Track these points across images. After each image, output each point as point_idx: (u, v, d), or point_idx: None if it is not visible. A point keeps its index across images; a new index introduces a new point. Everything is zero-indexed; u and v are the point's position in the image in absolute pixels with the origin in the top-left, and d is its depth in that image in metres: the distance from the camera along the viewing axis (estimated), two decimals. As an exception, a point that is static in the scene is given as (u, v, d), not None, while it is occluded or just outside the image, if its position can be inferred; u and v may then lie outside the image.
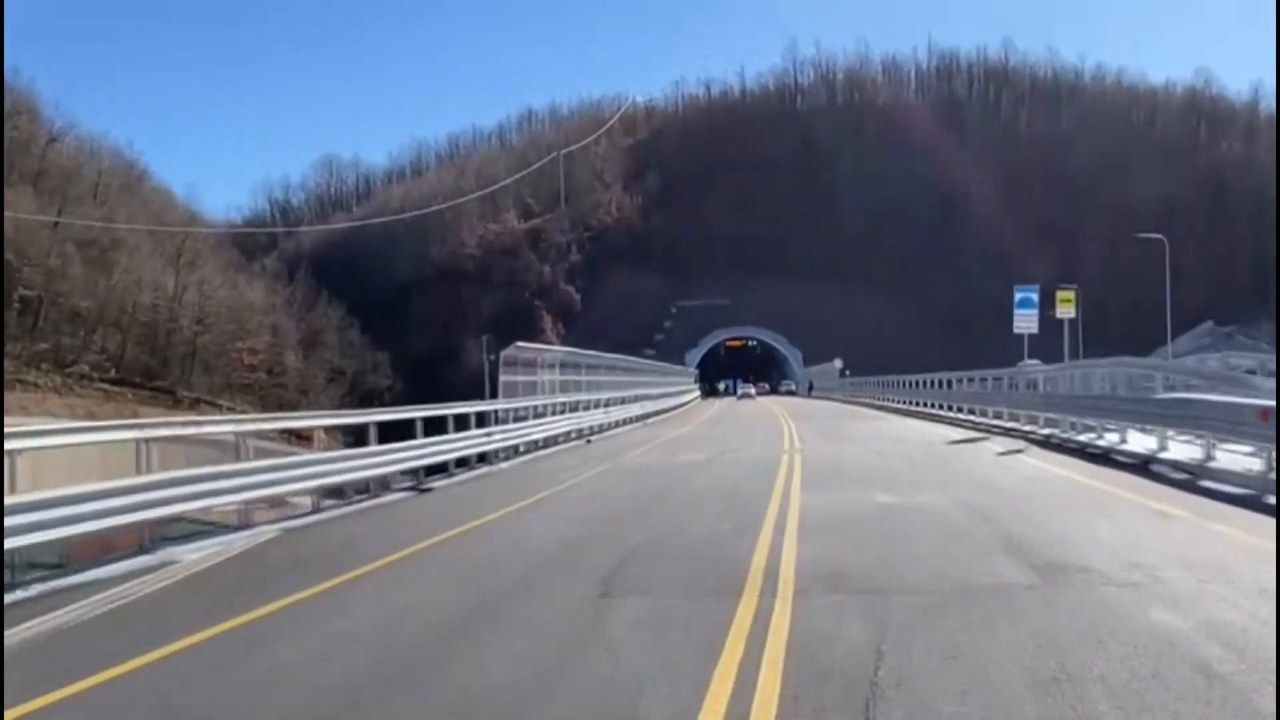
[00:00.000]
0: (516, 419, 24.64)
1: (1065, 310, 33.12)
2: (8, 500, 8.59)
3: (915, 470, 17.29)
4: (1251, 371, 26.06)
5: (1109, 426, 18.83)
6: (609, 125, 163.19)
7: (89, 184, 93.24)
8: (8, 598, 8.68)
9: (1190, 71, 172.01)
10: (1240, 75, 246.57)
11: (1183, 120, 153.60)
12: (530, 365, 27.36)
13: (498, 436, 21.82)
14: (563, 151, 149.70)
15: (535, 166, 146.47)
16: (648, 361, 58.54)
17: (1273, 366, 27.28)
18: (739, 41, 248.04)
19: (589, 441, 30.42)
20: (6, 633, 7.47)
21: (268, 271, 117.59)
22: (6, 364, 60.25)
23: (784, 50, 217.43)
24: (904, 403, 47.88)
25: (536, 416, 26.70)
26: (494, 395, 25.65)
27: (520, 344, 25.85)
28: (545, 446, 26.90)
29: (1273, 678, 5.23)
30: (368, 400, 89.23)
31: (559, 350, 30.61)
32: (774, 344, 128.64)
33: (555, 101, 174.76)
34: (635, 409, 43.78)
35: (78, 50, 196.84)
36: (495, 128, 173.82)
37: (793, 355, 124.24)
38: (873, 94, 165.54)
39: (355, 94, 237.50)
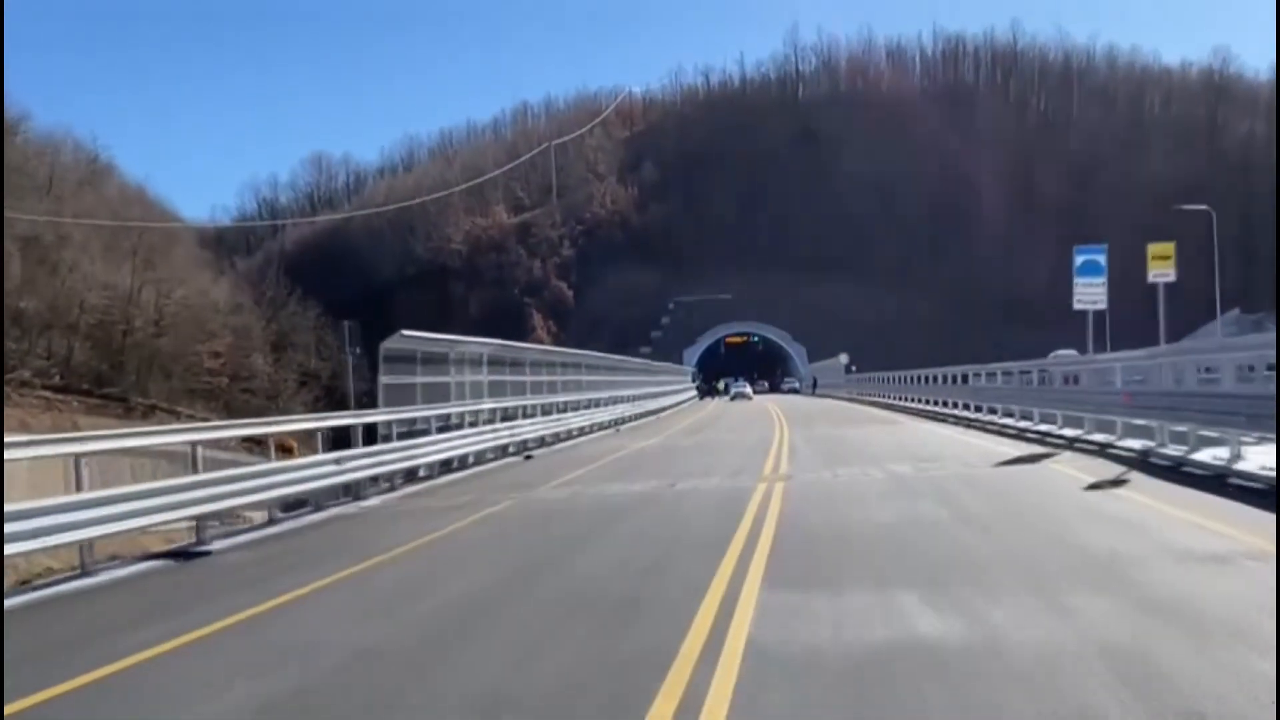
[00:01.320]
0: (413, 434, 18.39)
1: (1161, 271, 24.39)
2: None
3: (969, 528, 10.27)
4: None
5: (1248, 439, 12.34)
6: (604, 116, 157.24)
7: (43, 178, 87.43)
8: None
9: (1207, 51, 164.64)
10: (1260, 54, 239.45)
11: (1200, 100, 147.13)
12: (437, 362, 21.02)
13: (360, 463, 15.55)
14: (554, 142, 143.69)
15: (525, 158, 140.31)
16: (633, 360, 52.33)
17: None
18: (739, 29, 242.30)
19: (529, 457, 24.28)
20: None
21: (238, 271, 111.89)
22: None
23: (785, 37, 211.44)
24: (919, 401, 41.53)
25: (446, 429, 20.42)
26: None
27: (408, 333, 19.21)
28: (463, 467, 20.74)
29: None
30: (342, 404, 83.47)
31: (481, 343, 24.22)
32: (776, 340, 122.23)
33: (551, 95, 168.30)
34: (605, 414, 37.51)
35: (60, 50, 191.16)
36: (490, 123, 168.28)
37: (796, 351, 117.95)
38: (877, 80, 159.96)
39: (348, 92, 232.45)
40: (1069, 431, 19.97)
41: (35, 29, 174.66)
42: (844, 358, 76.03)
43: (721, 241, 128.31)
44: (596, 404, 38.05)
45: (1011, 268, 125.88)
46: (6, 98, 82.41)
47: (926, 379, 41.94)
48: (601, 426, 37.24)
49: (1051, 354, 44.08)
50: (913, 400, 43.40)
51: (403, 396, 18.30)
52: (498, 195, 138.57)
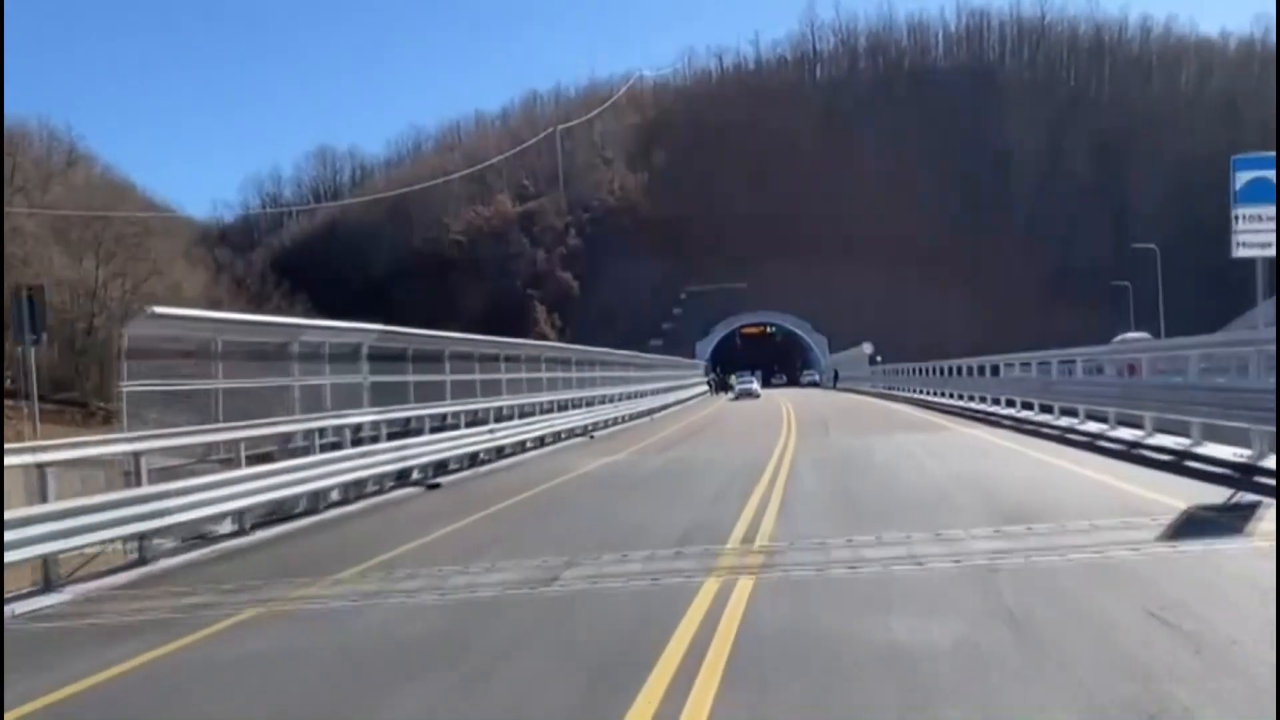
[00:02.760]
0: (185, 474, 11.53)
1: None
2: None
3: None
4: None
5: None
6: (613, 100, 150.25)
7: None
8: None
9: (1248, 20, 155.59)
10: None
11: (1241, 71, 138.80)
12: (264, 357, 14.20)
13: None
14: (560, 127, 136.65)
15: (529, 143, 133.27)
16: (617, 352, 45.27)
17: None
18: (754, 8, 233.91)
19: (434, 486, 17.59)
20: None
21: (236, 268, 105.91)
22: None
23: (802, 15, 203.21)
24: (959, 397, 34.45)
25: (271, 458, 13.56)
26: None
27: (160, 310, 11.76)
28: (285, 519, 13.89)
29: None
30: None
31: (354, 330, 17.23)
32: (796, 330, 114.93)
33: (561, 85, 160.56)
34: (579, 418, 30.66)
35: (60, 44, 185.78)
36: (499, 113, 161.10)
37: (816, 342, 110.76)
38: (898, 58, 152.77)
39: (354, 86, 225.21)
40: (1222, 451, 12.87)
41: (36, 21, 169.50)
42: (868, 347, 68.81)
43: (736, 228, 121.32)
44: (566, 407, 31.23)
45: (1046, 250, 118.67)
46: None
47: (968, 370, 34.84)
48: (573, 433, 30.58)
49: (1117, 338, 37.07)
50: (951, 396, 36.33)
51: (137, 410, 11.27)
52: (502, 184, 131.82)
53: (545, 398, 28.36)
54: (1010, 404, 28.01)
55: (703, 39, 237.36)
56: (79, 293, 75.19)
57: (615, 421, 36.67)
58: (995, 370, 31.24)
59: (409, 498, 16.64)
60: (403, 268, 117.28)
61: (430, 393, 20.25)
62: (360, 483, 16.33)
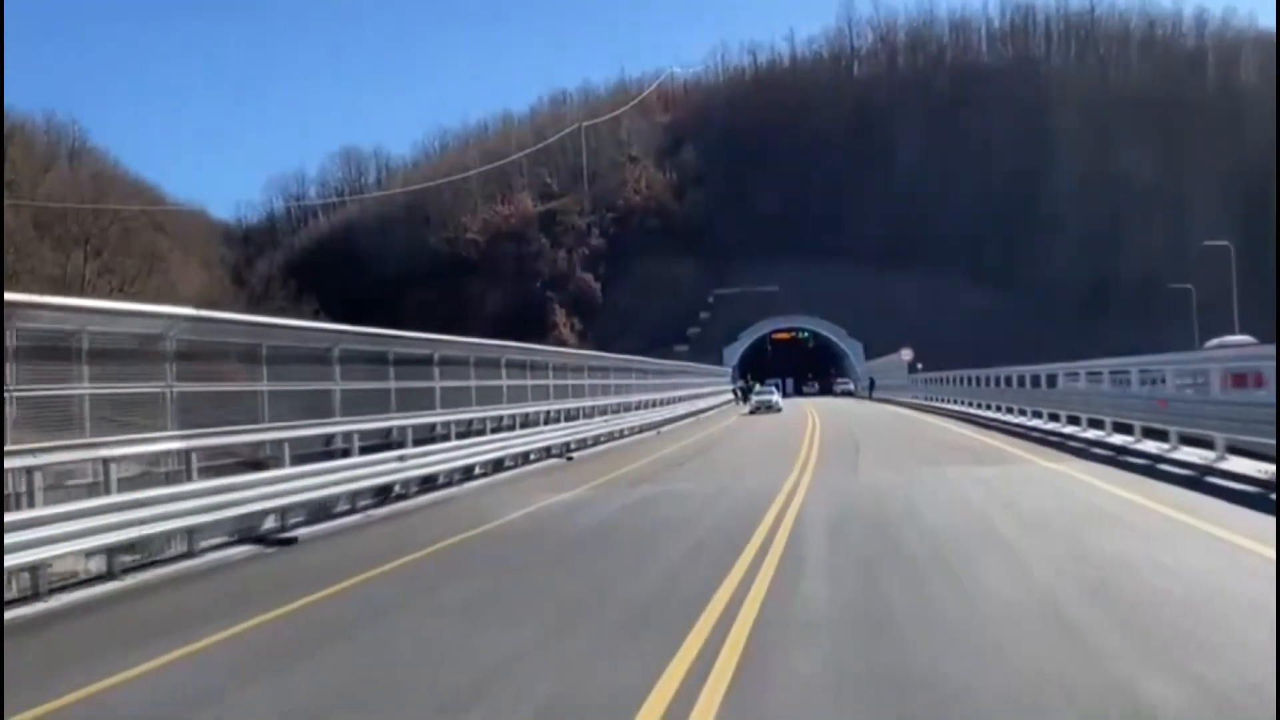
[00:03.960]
0: None
1: None
2: None
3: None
4: None
5: None
6: (642, 97, 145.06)
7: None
8: None
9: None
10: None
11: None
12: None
13: None
14: (585, 124, 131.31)
15: (552, 140, 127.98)
16: (610, 357, 39.56)
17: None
18: (789, 4, 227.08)
19: (285, 544, 12.11)
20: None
21: (225, 264, 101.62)
22: None
23: (839, 11, 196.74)
24: (1014, 412, 28.55)
25: None
26: None
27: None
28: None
29: None
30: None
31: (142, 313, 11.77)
32: (830, 336, 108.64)
33: (590, 83, 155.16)
34: (524, 441, 24.59)
35: (82, 44, 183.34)
36: (527, 112, 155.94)
37: (851, 349, 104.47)
38: (939, 55, 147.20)
39: (383, 87, 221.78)
40: None
41: (61, 22, 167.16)
42: (906, 353, 62.70)
43: (768, 229, 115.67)
44: (538, 421, 25.69)
45: (1095, 255, 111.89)
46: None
47: (1021, 380, 28.93)
48: (549, 452, 25.17)
49: (1213, 343, 31.46)
50: (1004, 410, 30.43)
51: None
52: (524, 183, 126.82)
53: (498, 412, 22.75)
54: (1074, 421, 22.46)
55: (736, 36, 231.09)
56: (63, 288, 70.94)
57: (611, 437, 31.23)
58: (1052, 381, 25.69)
59: (205, 572, 11.05)
60: (418, 269, 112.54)
61: (311, 406, 14.80)
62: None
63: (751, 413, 51.30)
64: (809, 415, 41.59)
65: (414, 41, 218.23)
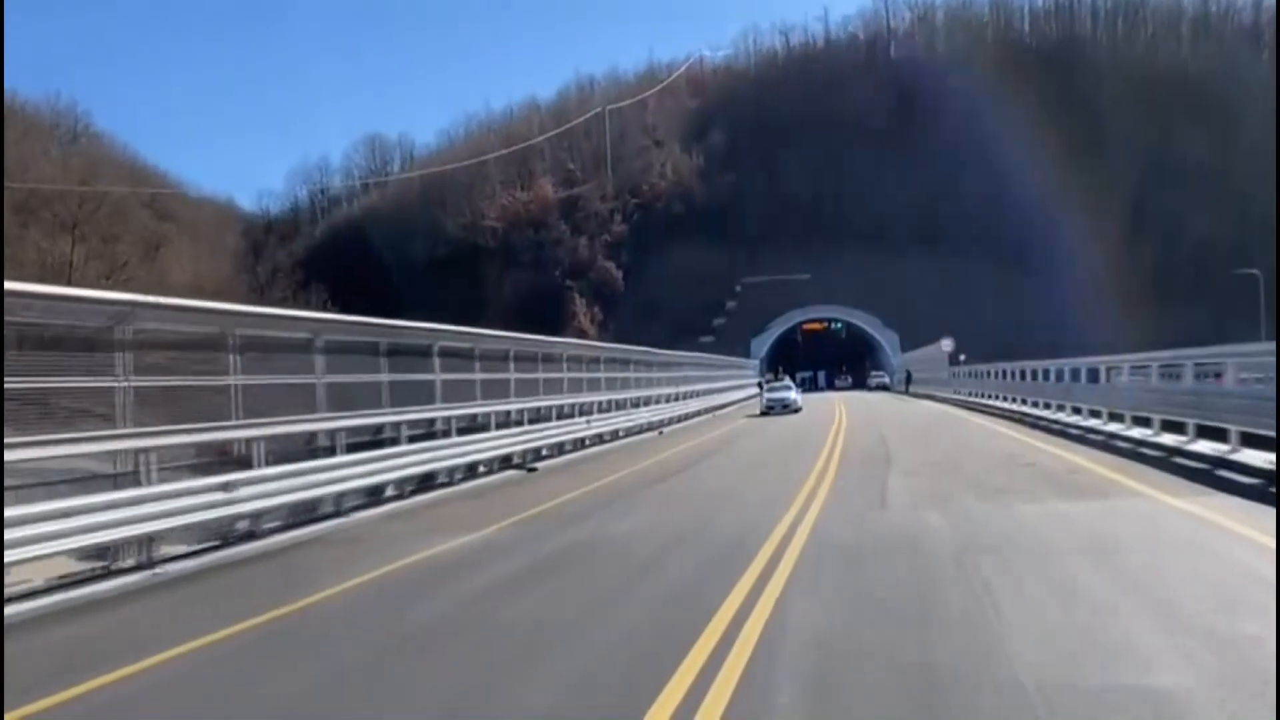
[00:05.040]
0: None
1: None
2: None
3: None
4: None
5: None
6: (670, 80, 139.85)
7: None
8: None
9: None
10: None
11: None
12: None
13: None
14: (609, 107, 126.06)
15: (573, 124, 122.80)
16: (610, 347, 34.51)
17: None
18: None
19: None
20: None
21: (237, 253, 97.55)
22: None
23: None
24: (1083, 413, 23.23)
25: None
26: None
27: None
28: None
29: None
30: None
31: None
32: (863, 326, 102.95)
33: (620, 69, 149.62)
34: (414, 461, 20.03)
35: (102, 31, 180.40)
36: (554, 98, 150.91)
37: (886, 339, 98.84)
38: (980, 34, 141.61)
39: (411, 77, 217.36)
40: None
41: (82, 11, 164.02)
42: (947, 344, 57.05)
43: (800, 216, 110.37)
44: (493, 425, 20.81)
45: (1148, 241, 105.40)
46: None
47: (1101, 374, 23.60)
48: (508, 462, 20.38)
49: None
50: (1069, 410, 25.09)
51: None
52: (545, 168, 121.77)
53: (427, 414, 17.78)
54: (1169, 426, 17.37)
55: (768, 18, 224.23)
56: (49, 274, 67.20)
57: (601, 439, 26.45)
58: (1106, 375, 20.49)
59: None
60: (435, 257, 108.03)
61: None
62: None
63: (763, 413, 42.98)
64: (836, 413, 36.36)
65: (443, 28, 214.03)
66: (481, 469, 19.42)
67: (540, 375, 24.04)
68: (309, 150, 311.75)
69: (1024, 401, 31.99)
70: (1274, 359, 13.28)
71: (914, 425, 30.46)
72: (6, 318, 9.13)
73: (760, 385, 66.68)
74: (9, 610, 8.44)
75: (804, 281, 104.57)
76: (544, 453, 22.83)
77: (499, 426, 21.03)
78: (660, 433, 32.55)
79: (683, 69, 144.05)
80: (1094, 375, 23.81)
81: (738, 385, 60.87)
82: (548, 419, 23.99)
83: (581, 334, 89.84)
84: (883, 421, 32.67)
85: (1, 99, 65.84)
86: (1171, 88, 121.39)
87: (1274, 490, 11.26)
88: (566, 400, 25.69)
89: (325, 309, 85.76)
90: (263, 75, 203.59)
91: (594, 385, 28.91)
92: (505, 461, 20.59)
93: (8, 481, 8.98)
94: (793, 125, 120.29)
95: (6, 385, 9.13)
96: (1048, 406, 28.32)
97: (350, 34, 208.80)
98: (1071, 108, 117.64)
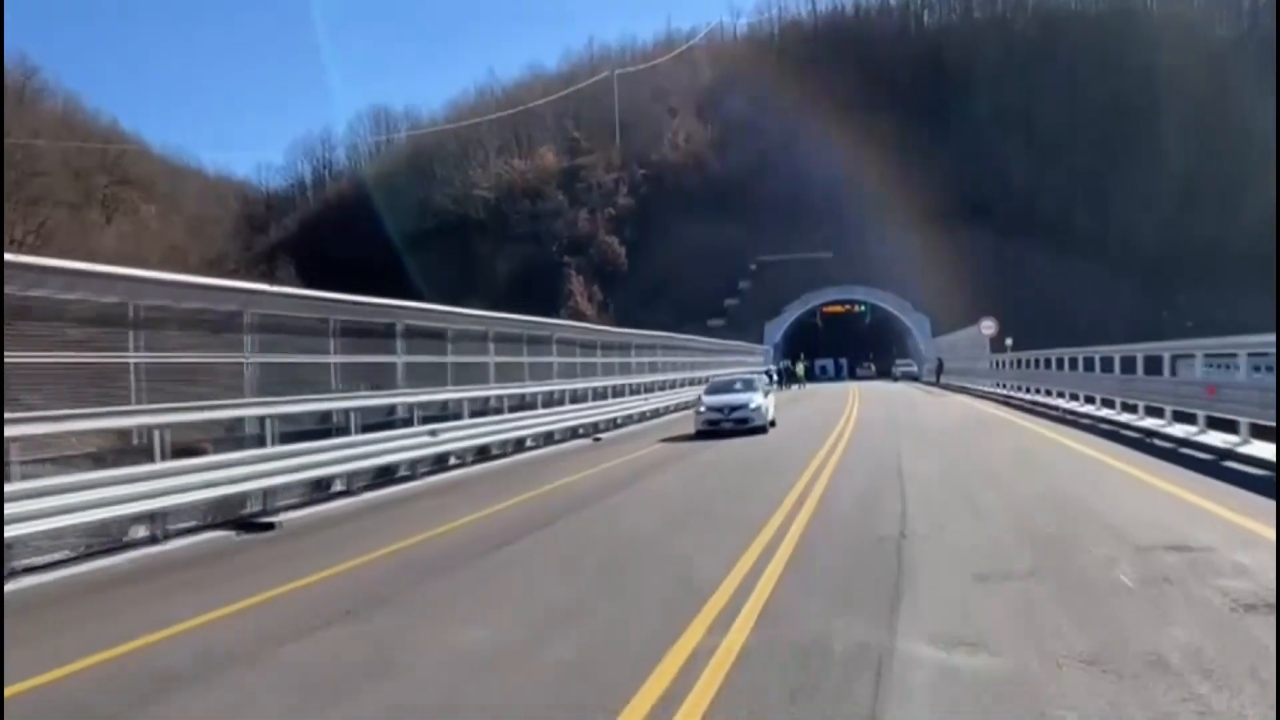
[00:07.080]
0: None
1: None
2: None
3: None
4: None
5: None
6: (688, 46, 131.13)
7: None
8: None
9: None
10: None
11: None
12: None
13: None
14: (617, 71, 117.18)
15: (580, 86, 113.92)
16: (533, 320, 25.71)
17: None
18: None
19: None
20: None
21: (219, 225, 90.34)
22: None
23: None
24: (1181, 418, 14.38)
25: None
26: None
27: None
28: None
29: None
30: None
31: None
32: (890, 309, 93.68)
33: (640, 39, 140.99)
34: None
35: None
36: (568, 69, 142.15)
37: (916, 323, 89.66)
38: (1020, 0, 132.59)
39: (419, 50, 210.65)
40: None
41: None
42: (989, 326, 47.44)
43: (822, 190, 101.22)
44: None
45: (1204, 213, 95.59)
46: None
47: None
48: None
49: None
50: (1150, 412, 16.23)
51: None
52: (547, 137, 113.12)
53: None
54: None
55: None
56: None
57: (522, 445, 17.75)
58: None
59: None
60: (424, 229, 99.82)
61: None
62: None
63: (698, 434, 24.96)
64: (842, 417, 27.38)
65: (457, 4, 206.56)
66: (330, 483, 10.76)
67: (450, 359, 15.95)
68: (314, 124, 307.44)
69: (1095, 399, 23.02)
70: None
71: (949, 442, 20.54)
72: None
73: (770, 375, 57.44)
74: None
75: (825, 260, 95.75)
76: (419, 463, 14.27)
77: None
78: (596, 439, 23.86)
79: (702, 35, 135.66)
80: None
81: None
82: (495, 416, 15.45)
83: (579, 316, 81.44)
84: (903, 432, 23.09)
85: (1, 99, 63.04)
86: (1231, 51, 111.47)
87: None
88: (467, 394, 17.25)
89: (293, 285, 78.31)
90: (272, 50, 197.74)
91: (519, 372, 20.38)
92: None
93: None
94: (817, 94, 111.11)
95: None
96: (1106, 405, 19.36)
97: (363, 5, 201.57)
98: (1120, 75, 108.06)
